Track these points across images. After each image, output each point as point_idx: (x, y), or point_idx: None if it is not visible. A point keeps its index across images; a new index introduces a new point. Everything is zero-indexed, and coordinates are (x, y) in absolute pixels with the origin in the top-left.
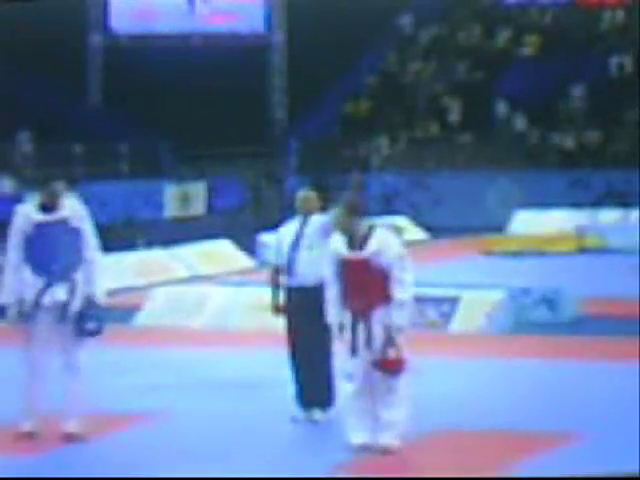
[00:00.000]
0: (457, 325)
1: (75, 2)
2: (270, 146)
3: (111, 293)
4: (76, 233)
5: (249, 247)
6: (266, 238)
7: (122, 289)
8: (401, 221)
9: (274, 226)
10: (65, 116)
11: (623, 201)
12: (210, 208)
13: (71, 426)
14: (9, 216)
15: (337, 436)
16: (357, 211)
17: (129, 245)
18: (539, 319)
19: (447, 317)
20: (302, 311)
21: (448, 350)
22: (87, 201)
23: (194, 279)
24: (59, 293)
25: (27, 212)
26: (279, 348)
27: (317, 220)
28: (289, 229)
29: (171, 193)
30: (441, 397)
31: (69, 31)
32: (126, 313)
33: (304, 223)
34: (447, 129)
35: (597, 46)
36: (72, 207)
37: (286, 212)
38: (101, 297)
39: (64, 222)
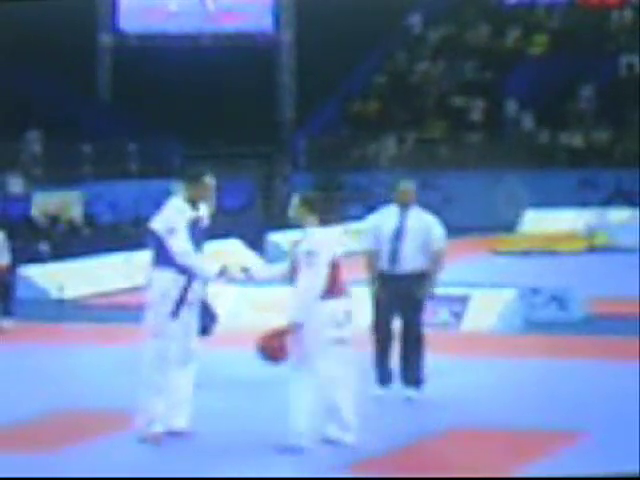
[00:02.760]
0: (467, 324)
1: (84, 2)
2: (278, 145)
3: (120, 292)
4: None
5: (258, 246)
6: (275, 237)
7: (131, 288)
8: None
9: (282, 225)
10: (74, 116)
11: (632, 200)
12: (219, 207)
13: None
14: (19, 214)
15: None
16: (312, 207)
17: (138, 244)
18: (549, 318)
19: (458, 316)
20: (405, 295)
21: (458, 349)
22: (96, 200)
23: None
24: (198, 289)
25: (183, 208)
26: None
27: (418, 213)
28: (386, 219)
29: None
30: (449, 396)
31: (78, 31)
32: (135, 312)
33: (404, 215)
34: (456, 129)
35: (606, 46)
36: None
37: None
38: None
39: (202, 220)
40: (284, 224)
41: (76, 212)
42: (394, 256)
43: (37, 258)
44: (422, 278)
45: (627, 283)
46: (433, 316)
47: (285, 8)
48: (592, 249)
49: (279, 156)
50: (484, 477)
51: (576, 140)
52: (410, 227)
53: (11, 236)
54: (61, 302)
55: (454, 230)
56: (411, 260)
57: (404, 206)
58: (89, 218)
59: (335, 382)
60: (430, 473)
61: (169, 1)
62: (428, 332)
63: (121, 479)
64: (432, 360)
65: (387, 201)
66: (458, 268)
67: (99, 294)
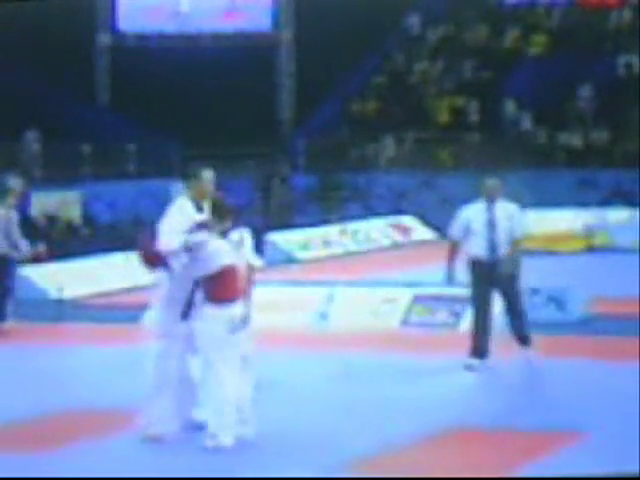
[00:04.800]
0: (467, 324)
1: (83, 2)
2: (277, 146)
3: (119, 292)
4: None
5: (256, 246)
6: (274, 237)
7: (130, 288)
8: (409, 221)
9: (281, 225)
10: (73, 116)
11: (631, 200)
12: None
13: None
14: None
15: (342, 436)
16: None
17: (137, 244)
18: (547, 318)
19: (457, 316)
20: (505, 277)
21: (457, 349)
22: (95, 201)
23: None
24: None
25: (185, 206)
26: (285, 347)
27: (504, 205)
28: (475, 213)
29: (178, 192)
30: (449, 396)
31: (77, 31)
32: (134, 312)
33: (492, 208)
34: (454, 129)
35: (605, 46)
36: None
37: (293, 211)
38: None
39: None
40: (283, 224)
41: (75, 212)
42: (491, 245)
43: (36, 258)
44: (515, 261)
45: (626, 283)
46: (432, 316)
47: (284, 8)
48: (591, 249)
49: (278, 156)
50: (484, 477)
51: (575, 140)
52: (499, 218)
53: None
54: (60, 302)
55: None
56: (504, 246)
57: (491, 200)
58: (88, 218)
59: (230, 382)
60: (430, 473)
61: (168, 1)
62: (426, 332)
63: (121, 479)
64: (431, 360)
65: (386, 201)
66: (457, 268)
67: (98, 294)
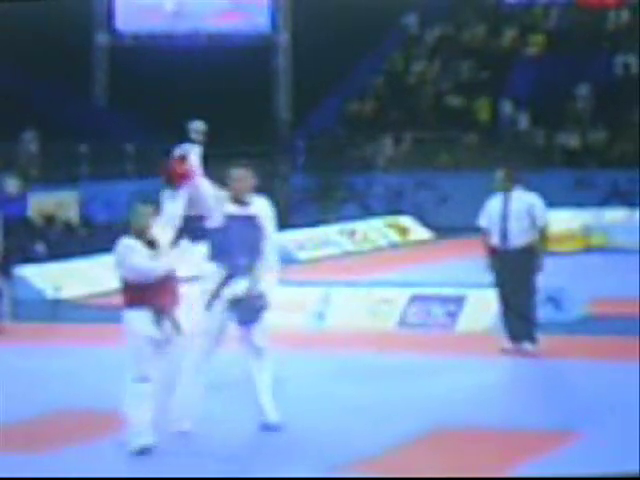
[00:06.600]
0: (463, 324)
1: (81, 2)
2: (275, 146)
3: (116, 293)
4: (260, 231)
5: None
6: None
7: None
8: (406, 221)
9: (279, 225)
10: (70, 116)
11: (628, 200)
12: None
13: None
14: (16, 214)
15: (339, 436)
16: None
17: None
18: (545, 318)
19: (453, 317)
20: (514, 265)
21: (454, 349)
22: (92, 201)
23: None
24: (238, 287)
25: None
26: (282, 348)
27: (519, 195)
28: (495, 204)
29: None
30: (447, 397)
31: (75, 31)
32: None
33: (508, 199)
34: (452, 129)
35: (602, 46)
36: (261, 204)
37: (291, 211)
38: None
39: (253, 218)
40: (281, 224)
41: (72, 212)
42: (503, 234)
43: (33, 258)
44: (529, 251)
45: (624, 283)
46: (428, 316)
47: (282, 9)
48: (588, 249)
49: (277, 156)
50: (483, 477)
51: (572, 140)
52: (513, 208)
53: (9, 235)
54: (57, 302)
55: (450, 230)
56: (517, 237)
57: (506, 191)
58: (85, 218)
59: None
60: (428, 473)
61: (166, 1)
62: (424, 332)
63: (121, 479)
64: (428, 360)
65: (384, 201)
66: (453, 268)
67: (95, 294)
